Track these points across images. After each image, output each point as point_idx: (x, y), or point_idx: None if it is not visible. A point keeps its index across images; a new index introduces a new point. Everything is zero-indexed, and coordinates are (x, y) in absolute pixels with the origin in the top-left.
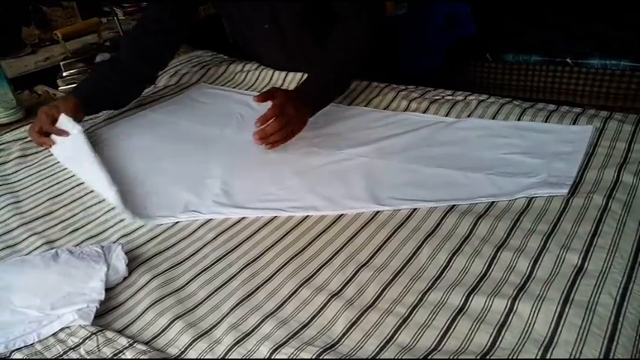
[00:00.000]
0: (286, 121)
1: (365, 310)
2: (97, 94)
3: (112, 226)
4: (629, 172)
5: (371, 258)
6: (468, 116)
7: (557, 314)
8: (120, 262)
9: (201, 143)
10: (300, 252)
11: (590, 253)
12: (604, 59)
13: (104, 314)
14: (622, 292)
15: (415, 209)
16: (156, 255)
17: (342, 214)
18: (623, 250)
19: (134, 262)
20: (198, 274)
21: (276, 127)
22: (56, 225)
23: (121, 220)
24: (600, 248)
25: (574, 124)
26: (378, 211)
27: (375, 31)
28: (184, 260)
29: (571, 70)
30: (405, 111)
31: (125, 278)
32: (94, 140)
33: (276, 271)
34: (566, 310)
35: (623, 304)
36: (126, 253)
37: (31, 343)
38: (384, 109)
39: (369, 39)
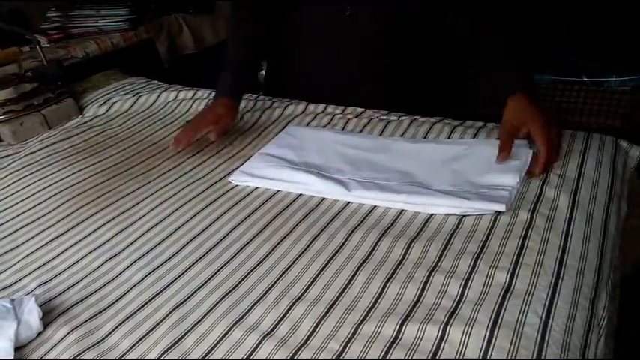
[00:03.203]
0: (555, 143)
1: (298, 349)
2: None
3: (28, 274)
4: (550, 187)
5: (305, 291)
6: (401, 136)
7: (487, 338)
8: (33, 316)
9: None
10: (232, 289)
11: (517, 271)
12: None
13: None
14: (547, 310)
15: (351, 234)
16: (77, 303)
17: (277, 246)
18: (547, 265)
19: (51, 313)
20: (122, 322)
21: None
22: None
23: (40, 267)
24: (526, 265)
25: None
26: (313, 239)
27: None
28: (107, 307)
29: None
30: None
31: (40, 333)
32: None
33: (207, 312)
34: (495, 332)
35: (548, 322)
36: (43, 304)
37: None
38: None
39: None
